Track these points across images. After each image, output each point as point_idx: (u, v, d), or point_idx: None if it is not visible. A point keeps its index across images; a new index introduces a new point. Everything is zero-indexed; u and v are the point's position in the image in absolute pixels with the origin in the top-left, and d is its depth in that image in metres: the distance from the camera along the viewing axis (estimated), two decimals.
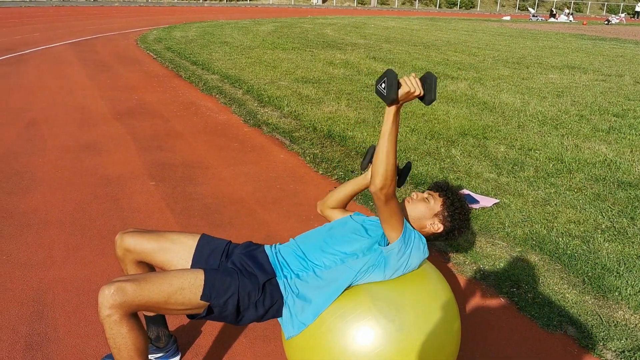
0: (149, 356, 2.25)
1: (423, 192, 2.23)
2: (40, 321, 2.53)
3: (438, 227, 2.13)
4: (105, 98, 7.27)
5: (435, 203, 2.14)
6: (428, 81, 1.85)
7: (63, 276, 2.91)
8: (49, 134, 5.51)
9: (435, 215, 2.13)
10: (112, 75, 9.03)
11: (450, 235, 2.15)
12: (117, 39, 14.43)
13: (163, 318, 2.28)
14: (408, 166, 2.28)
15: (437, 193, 2.17)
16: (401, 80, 1.84)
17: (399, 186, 2.20)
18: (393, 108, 1.84)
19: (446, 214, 2.12)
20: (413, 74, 1.86)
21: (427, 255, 2.05)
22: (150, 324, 2.26)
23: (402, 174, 2.27)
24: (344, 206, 2.47)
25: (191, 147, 5.29)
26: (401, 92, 1.82)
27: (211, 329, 2.56)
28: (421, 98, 1.88)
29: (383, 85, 1.82)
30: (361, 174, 2.87)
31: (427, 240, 2.16)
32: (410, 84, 1.83)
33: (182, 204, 3.94)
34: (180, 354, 2.35)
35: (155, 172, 4.55)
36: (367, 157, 2.33)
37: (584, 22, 37.41)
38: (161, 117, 6.42)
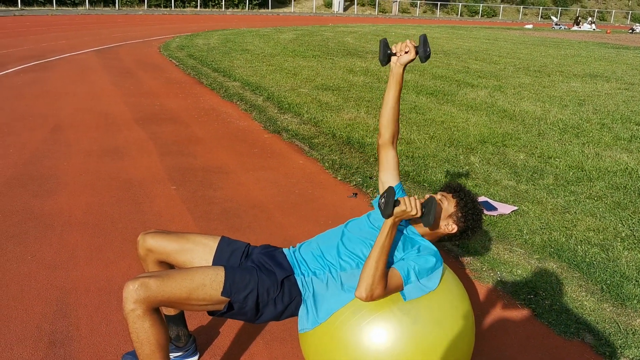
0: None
1: (435, 193, 2.24)
2: (63, 320, 2.59)
3: (452, 228, 2.15)
4: (128, 104, 7.41)
5: (449, 204, 2.17)
6: (428, 205, 1.93)
7: (86, 276, 2.98)
8: (74, 138, 5.64)
9: (449, 216, 2.16)
10: (135, 82, 9.18)
11: (464, 235, 2.18)
12: (141, 47, 14.66)
13: (183, 318, 2.32)
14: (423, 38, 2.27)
15: (450, 194, 2.19)
16: (400, 199, 1.91)
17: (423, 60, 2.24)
18: (389, 221, 1.91)
19: (460, 214, 2.15)
20: (414, 197, 1.93)
21: (441, 269, 2.06)
22: (170, 323, 2.30)
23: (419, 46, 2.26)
24: (395, 122, 2.33)
25: (212, 153, 5.37)
26: (397, 210, 1.89)
27: (229, 330, 2.60)
28: (420, 217, 1.95)
29: (383, 199, 1.90)
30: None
31: (441, 241, 2.22)
32: (409, 204, 1.89)
33: (202, 208, 4.00)
34: (198, 353, 2.40)
35: (176, 176, 4.63)
36: (382, 50, 2.31)
37: (608, 31, 36.96)
38: (182, 122, 6.52)
